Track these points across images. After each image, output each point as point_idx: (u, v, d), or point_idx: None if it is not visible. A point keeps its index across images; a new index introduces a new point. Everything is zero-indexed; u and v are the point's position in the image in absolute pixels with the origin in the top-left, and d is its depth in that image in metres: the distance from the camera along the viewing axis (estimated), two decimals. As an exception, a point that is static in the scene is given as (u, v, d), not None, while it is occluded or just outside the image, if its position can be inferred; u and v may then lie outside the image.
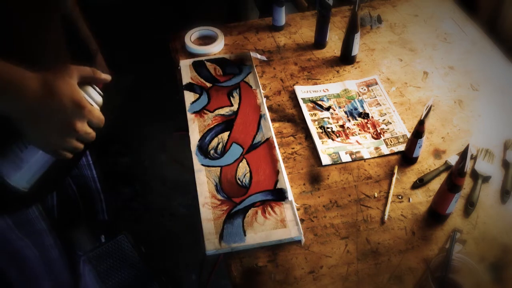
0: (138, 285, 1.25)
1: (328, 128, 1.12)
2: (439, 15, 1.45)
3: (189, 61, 1.29)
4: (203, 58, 1.30)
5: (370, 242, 0.91)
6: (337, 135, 1.11)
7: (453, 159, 1.05)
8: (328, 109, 1.17)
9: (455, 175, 0.86)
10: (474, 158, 1.05)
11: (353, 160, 1.06)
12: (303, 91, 1.21)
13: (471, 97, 1.20)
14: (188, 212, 1.83)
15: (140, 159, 2.00)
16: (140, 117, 2.11)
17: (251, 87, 1.21)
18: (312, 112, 1.16)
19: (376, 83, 1.23)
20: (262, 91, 1.20)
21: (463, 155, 0.84)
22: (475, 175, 1.02)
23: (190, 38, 1.35)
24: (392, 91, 1.22)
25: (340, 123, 1.14)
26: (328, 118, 1.15)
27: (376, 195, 0.99)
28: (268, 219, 0.93)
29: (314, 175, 1.03)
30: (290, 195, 0.97)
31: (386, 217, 0.95)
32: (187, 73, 1.25)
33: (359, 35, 1.23)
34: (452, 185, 0.87)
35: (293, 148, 1.09)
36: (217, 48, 1.33)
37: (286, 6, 1.37)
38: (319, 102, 1.19)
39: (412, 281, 0.86)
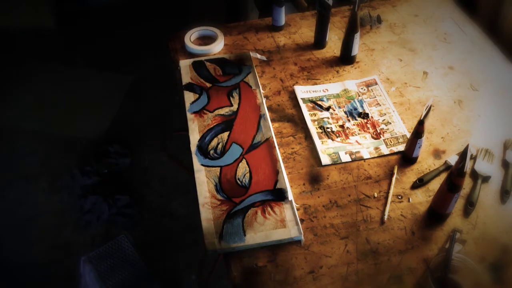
0: (138, 285, 1.25)
1: (327, 128, 1.12)
2: (439, 15, 1.45)
3: (189, 61, 1.29)
4: (202, 58, 1.30)
5: (370, 242, 0.91)
6: (337, 135, 1.11)
7: (452, 159, 1.05)
8: (327, 109, 1.17)
9: (454, 175, 0.86)
10: (473, 158, 1.05)
11: (353, 160, 1.06)
12: (302, 91, 1.21)
13: (471, 97, 1.20)
14: (188, 212, 1.83)
15: (140, 159, 2.00)
16: (140, 117, 2.11)
17: (250, 87, 1.21)
18: (311, 112, 1.16)
19: (376, 83, 1.23)
20: (262, 90, 1.20)
21: (463, 155, 0.84)
22: (474, 175, 1.02)
23: (190, 38, 1.35)
24: (392, 91, 1.22)
25: (340, 123, 1.14)
26: (328, 118, 1.15)
27: (375, 195, 0.99)
28: (268, 219, 0.93)
29: (314, 175, 1.03)
30: (290, 195, 0.97)
31: (386, 217, 0.95)
32: (186, 73, 1.25)
33: (359, 35, 1.23)
34: (451, 185, 0.87)
35: (292, 148, 1.09)
36: (217, 48, 1.33)
37: (285, 6, 1.37)
38: (319, 102, 1.19)
39: (412, 281, 0.86)
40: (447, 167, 1.04)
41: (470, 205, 0.96)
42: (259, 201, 0.97)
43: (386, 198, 0.98)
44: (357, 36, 1.23)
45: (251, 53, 1.30)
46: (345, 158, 1.06)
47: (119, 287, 1.16)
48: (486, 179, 1.01)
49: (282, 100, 1.20)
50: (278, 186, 0.99)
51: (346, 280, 0.86)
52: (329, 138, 1.10)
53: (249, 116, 1.14)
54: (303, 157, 1.07)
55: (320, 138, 1.10)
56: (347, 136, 1.11)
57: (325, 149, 1.08)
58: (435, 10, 1.47)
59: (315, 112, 1.16)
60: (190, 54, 1.33)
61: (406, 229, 0.94)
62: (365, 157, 1.07)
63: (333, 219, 0.95)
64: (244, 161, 1.04)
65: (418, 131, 0.99)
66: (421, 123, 0.97)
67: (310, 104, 1.18)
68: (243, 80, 1.23)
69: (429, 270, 0.83)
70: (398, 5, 1.50)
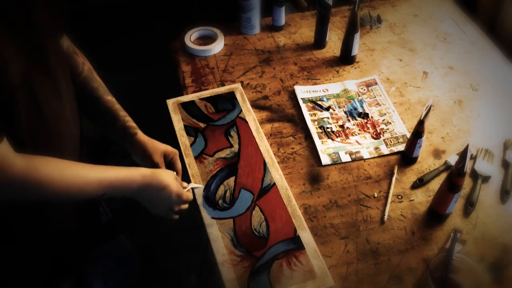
0: (138, 285, 1.24)
1: (327, 128, 1.12)
2: (439, 15, 1.45)
3: (176, 101, 1.18)
4: (191, 98, 1.18)
5: (370, 242, 0.91)
6: (337, 135, 1.11)
7: (452, 159, 1.05)
8: (327, 109, 1.17)
9: (454, 175, 0.86)
10: (473, 158, 1.05)
11: (353, 160, 1.06)
12: (302, 91, 1.21)
13: (471, 97, 1.20)
14: (188, 212, 1.83)
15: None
16: (140, 118, 2.11)
17: (247, 122, 1.12)
18: (311, 112, 1.16)
19: (376, 83, 1.23)
20: (255, 119, 1.12)
21: (463, 155, 0.84)
22: (474, 175, 1.02)
23: (190, 38, 1.35)
24: (392, 91, 1.22)
25: (340, 123, 1.14)
26: (328, 118, 1.15)
27: (375, 195, 0.99)
28: (295, 271, 0.85)
29: (314, 175, 1.03)
30: (309, 241, 0.90)
31: (386, 217, 0.95)
32: (176, 114, 1.15)
33: (359, 35, 1.23)
34: (451, 185, 0.87)
35: (292, 148, 1.09)
36: (217, 48, 1.33)
37: (285, 6, 1.37)
38: (319, 102, 1.19)
39: (412, 281, 0.86)
40: (447, 167, 1.04)
41: (470, 205, 0.96)
42: (282, 252, 0.88)
43: (386, 198, 0.98)
44: (357, 36, 1.23)
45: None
46: (345, 158, 1.06)
47: (119, 287, 1.16)
48: (486, 179, 1.01)
49: (282, 100, 1.20)
50: (298, 232, 0.91)
51: (346, 280, 0.86)
52: (329, 138, 1.10)
53: (253, 156, 1.04)
54: (303, 157, 1.07)
55: (320, 138, 1.10)
56: (347, 136, 1.11)
57: (325, 149, 1.08)
58: (435, 10, 1.47)
59: (315, 112, 1.16)
60: (190, 54, 1.33)
61: (406, 229, 0.94)
62: (365, 157, 1.06)
63: (333, 219, 0.95)
64: (257, 208, 0.95)
65: (418, 131, 0.99)
66: (421, 123, 0.97)
67: (310, 104, 1.18)
68: (239, 116, 1.13)
69: (429, 270, 0.83)
70: (398, 5, 1.50)
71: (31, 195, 0.68)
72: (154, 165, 0.93)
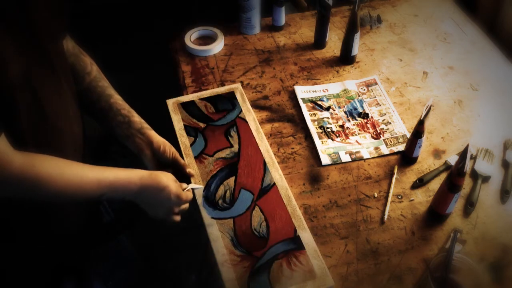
0: (138, 285, 1.25)
1: (327, 128, 1.12)
2: (439, 15, 1.45)
3: (176, 101, 1.17)
4: (191, 98, 1.18)
5: (370, 242, 0.91)
6: (337, 135, 1.11)
7: (452, 159, 1.05)
8: (327, 109, 1.17)
9: (454, 175, 0.86)
10: (473, 158, 1.05)
11: (353, 160, 1.06)
12: (302, 91, 1.21)
13: (471, 97, 1.20)
14: (189, 212, 1.83)
15: (139, 160, 2.00)
16: (141, 117, 2.10)
17: (247, 122, 1.12)
18: (311, 112, 1.16)
19: (376, 83, 1.23)
20: (255, 119, 1.13)
21: (463, 155, 0.84)
22: (474, 175, 1.02)
23: (190, 38, 1.35)
24: (392, 91, 1.22)
25: (340, 123, 1.14)
26: (328, 118, 1.15)
27: (375, 195, 0.99)
28: (295, 271, 0.85)
29: (314, 175, 1.03)
30: (309, 241, 0.89)
31: (386, 217, 0.95)
32: (176, 114, 1.15)
33: (359, 35, 1.24)
34: (451, 185, 0.87)
35: (292, 148, 1.09)
36: (217, 48, 1.33)
37: (285, 6, 1.37)
38: (319, 102, 1.19)
39: (412, 281, 0.86)
40: (447, 167, 1.04)
41: (470, 205, 0.96)
42: (282, 252, 0.88)
43: (386, 198, 0.98)
44: (357, 36, 1.23)
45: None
46: (345, 158, 1.06)
47: (119, 287, 1.16)
48: (486, 179, 1.01)
49: (282, 100, 1.20)
50: (298, 232, 0.91)
51: (346, 280, 0.86)
52: (329, 138, 1.10)
53: (253, 156, 1.04)
54: (303, 157, 1.07)
55: (320, 138, 1.10)
56: (347, 136, 1.11)
57: (325, 149, 1.08)
58: (435, 10, 1.47)
59: (315, 112, 1.16)
60: (190, 54, 1.33)
61: (406, 229, 0.94)
62: (365, 157, 1.07)
63: (333, 219, 0.95)
64: (257, 208, 0.95)
65: (418, 131, 0.99)
66: (421, 123, 0.97)
67: (310, 104, 1.18)
68: (239, 116, 1.13)
69: (429, 270, 0.83)
70: (398, 5, 1.50)
71: (29, 192, 0.68)
72: (167, 157, 0.95)
